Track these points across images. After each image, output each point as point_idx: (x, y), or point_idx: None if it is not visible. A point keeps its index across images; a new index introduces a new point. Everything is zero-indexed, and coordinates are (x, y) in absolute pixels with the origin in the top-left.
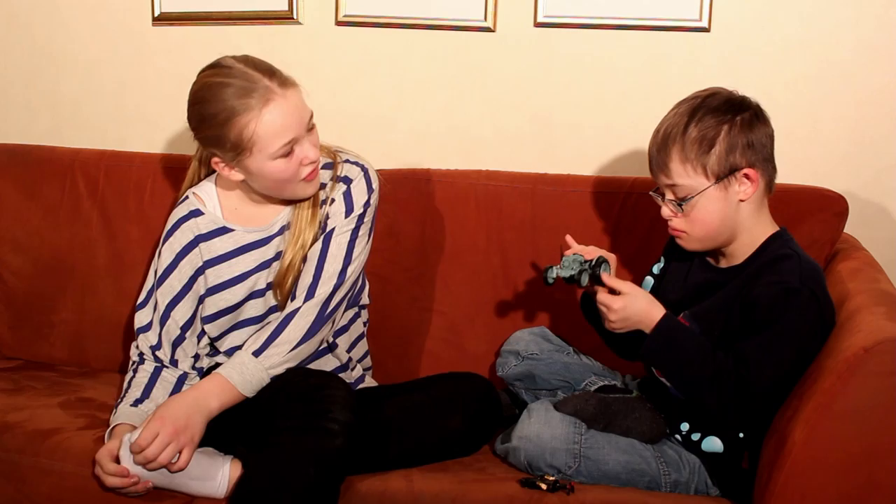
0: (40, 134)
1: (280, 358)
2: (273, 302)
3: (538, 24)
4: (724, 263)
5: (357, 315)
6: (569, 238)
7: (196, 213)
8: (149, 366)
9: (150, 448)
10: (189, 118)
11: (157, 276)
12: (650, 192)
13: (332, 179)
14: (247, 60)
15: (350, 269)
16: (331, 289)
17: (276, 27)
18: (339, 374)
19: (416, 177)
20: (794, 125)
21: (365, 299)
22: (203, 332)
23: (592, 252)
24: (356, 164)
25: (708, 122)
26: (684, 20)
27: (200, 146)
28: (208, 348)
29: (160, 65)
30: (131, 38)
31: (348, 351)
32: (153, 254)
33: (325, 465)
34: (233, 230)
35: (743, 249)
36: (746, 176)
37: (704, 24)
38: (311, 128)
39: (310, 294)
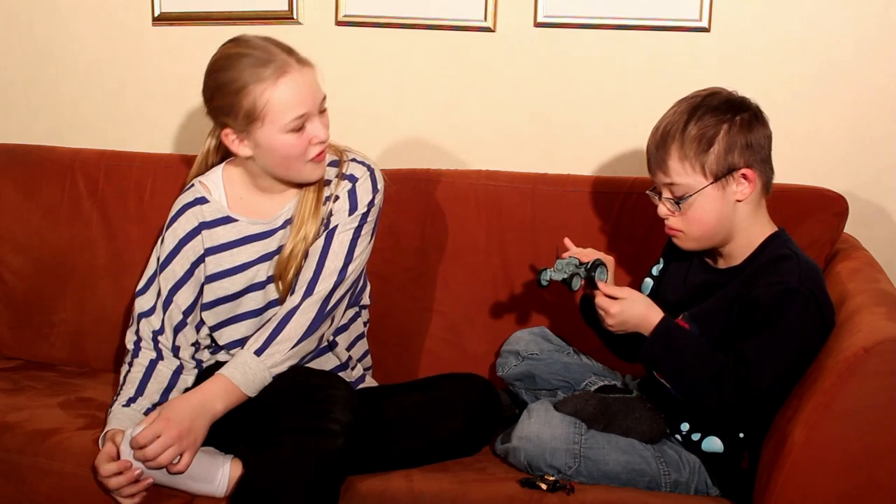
0: (40, 134)
1: (282, 356)
2: (272, 296)
3: (538, 24)
4: (722, 264)
5: (357, 315)
6: (567, 241)
7: (201, 201)
8: (144, 358)
9: (151, 448)
10: (204, 88)
11: (160, 261)
12: (647, 192)
13: (337, 177)
14: (267, 38)
15: (351, 268)
16: (331, 286)
17: (276, 27)
18: (339, 374)
19: (416, 177)
20: (794, 125)
21: (366, 300)
22: (202, 322)
23: (590, 255)
24: (363, 163)
25: (707, 120)
26: (684, 20)
27: (213, 120)
28: (208, 339)
29: (160, 65)
30: (131, 38)
31: (348, 349)
32: (149, 260)
33: (326, 465)
34: (237, 220)
35: (741, 250)
36: (744, 176)
37: (704, 24)
38: (322, 109)
39: (309, 290)
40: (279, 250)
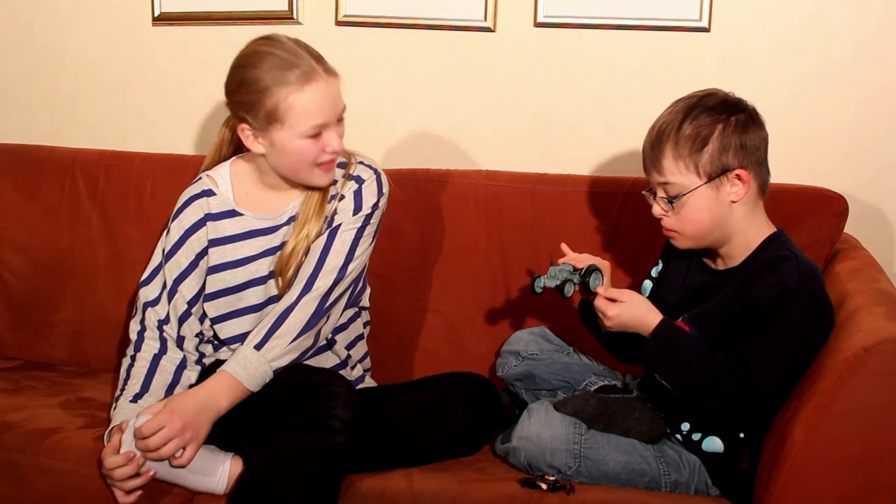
0: (40, 134)
1: (281, 350)
2: (273, 291)
3: (538, 24)
4: (721, 265)
5: (357, 315)
6: (563, 246)
7: (208, 193)
8: (147, 352)
9: (154, 438)
10: (228, 81)
11: (165, 252)
12: (643, 192)
13: (344, 177)
14: (298, 42)
15: (351, 267)
16: (330, 283)
17: (276, 27)
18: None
19: (416, 177)
20: (794, 125)
21: (365, 302)
22: (204, 315)
23: (585, 260)
24: (370, 167)
25: (703, 120)
26: (684, 20)
27: (231, 113)
28: (212, 332)
29: (160, 65)
30: (131, 38)
31: (347, 349)
32: (153, 253)
33: (327, 463)
34: (242, 214)
35: (739, 251)
36: (738, 177)
37: (704, 24)
38: (340, 119)
39: (308, 285)
40: (282, 246)
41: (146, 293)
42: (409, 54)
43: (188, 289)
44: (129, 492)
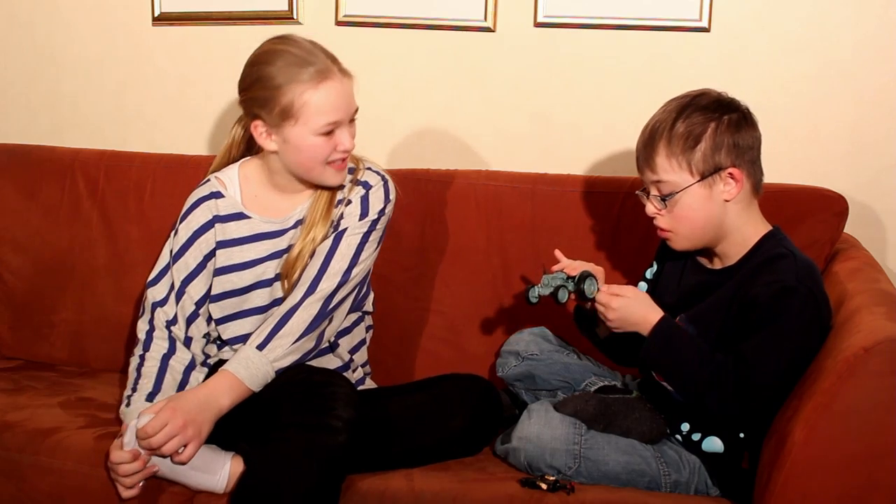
0: (40, 134)
1: (283, 350)
2: (278, 293)
3: (538, 24)
4: (717, 265)
5: (360, 319)
6: (557, 252)
7: (217, 195)
8: (156, 352)
9: (157, 437)
10: (242, 78)
11: (173, 253)
12: (637, 192)
13: (351, 182)
14: (314, 42)
15: (355, 270)
16: (334, 285)
17: (276, 27)
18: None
19: (416, 177)
20: (793, 125)
21: (369, 307)
22: (210, 317)
23: (578, 267)
24: (378, 173)
25: (696, 118)
26: (684, 20)
27: (244, 110)
28: (217, 332)
29: (160, 65)
30: (131, 38)
31: (350, 353)
32: (153, 253)
33: (328, 462)
34: (250, 217)
35: (735, 249)
36: (731, 175)
37: (704, 24)
38: (353, 119)
39: (312, 287)
40: (288, 249)
41: (154, 293)
42: (409, 54)
43: (196, 290)
44: (130, 487)
